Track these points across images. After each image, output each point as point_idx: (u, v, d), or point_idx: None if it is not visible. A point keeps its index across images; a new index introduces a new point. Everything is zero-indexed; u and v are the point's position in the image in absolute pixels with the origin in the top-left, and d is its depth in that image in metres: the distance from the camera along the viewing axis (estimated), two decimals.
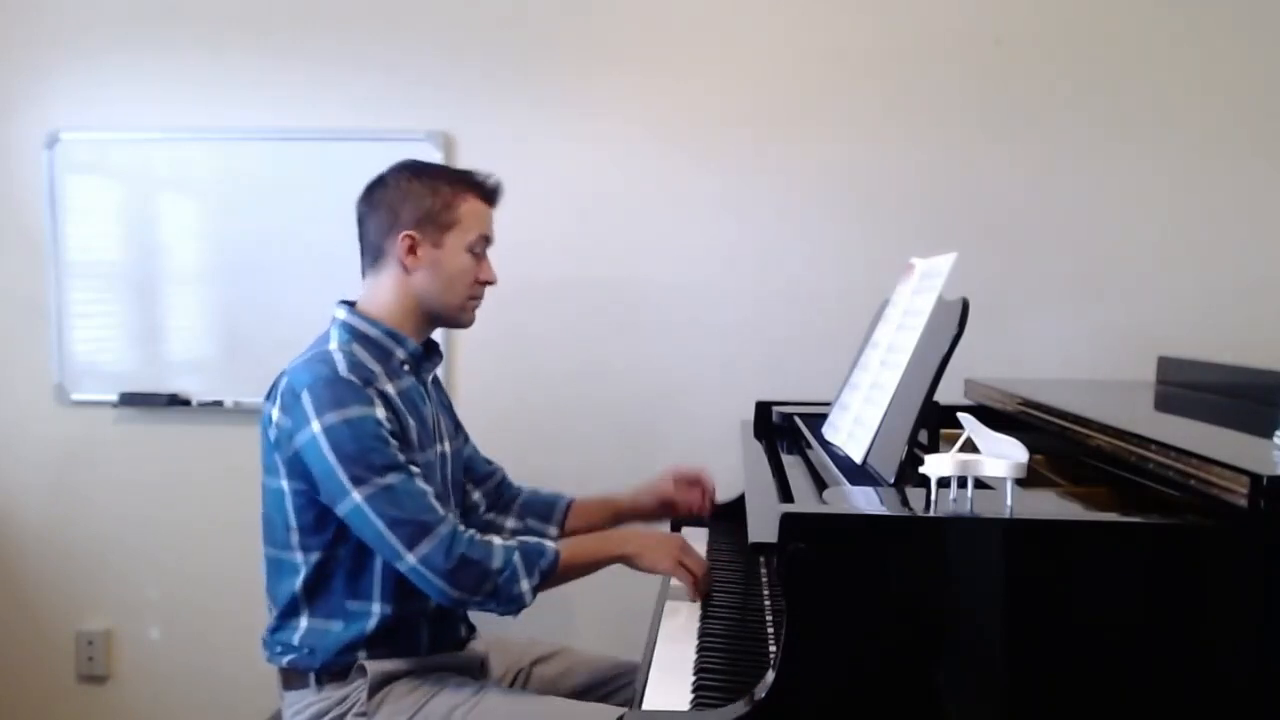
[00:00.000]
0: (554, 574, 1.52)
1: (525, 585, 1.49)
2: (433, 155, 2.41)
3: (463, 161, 2.41)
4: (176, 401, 2.55)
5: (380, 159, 2.43)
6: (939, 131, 2.35)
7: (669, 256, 2.43)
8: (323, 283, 2.45)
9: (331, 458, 1.45)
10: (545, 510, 1.87)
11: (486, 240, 1.66)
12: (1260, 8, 2.28)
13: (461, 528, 1.49)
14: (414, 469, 1.50)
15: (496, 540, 1.51)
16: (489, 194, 1.66)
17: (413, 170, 1.64)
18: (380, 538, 1.45)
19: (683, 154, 2.42)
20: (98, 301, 2.57)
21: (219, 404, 2.54)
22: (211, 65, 2.50)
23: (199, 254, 2.56)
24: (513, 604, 1.50)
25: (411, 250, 1.59)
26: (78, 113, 2.54)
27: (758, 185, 2.40)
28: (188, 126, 2.51)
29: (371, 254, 1.65)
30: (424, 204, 1.60)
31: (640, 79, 2.42)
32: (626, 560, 1.61)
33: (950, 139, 2.35)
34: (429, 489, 1.50)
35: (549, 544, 1.55)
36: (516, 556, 1.49)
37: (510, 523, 1.87)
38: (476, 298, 1.66)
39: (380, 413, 1.49)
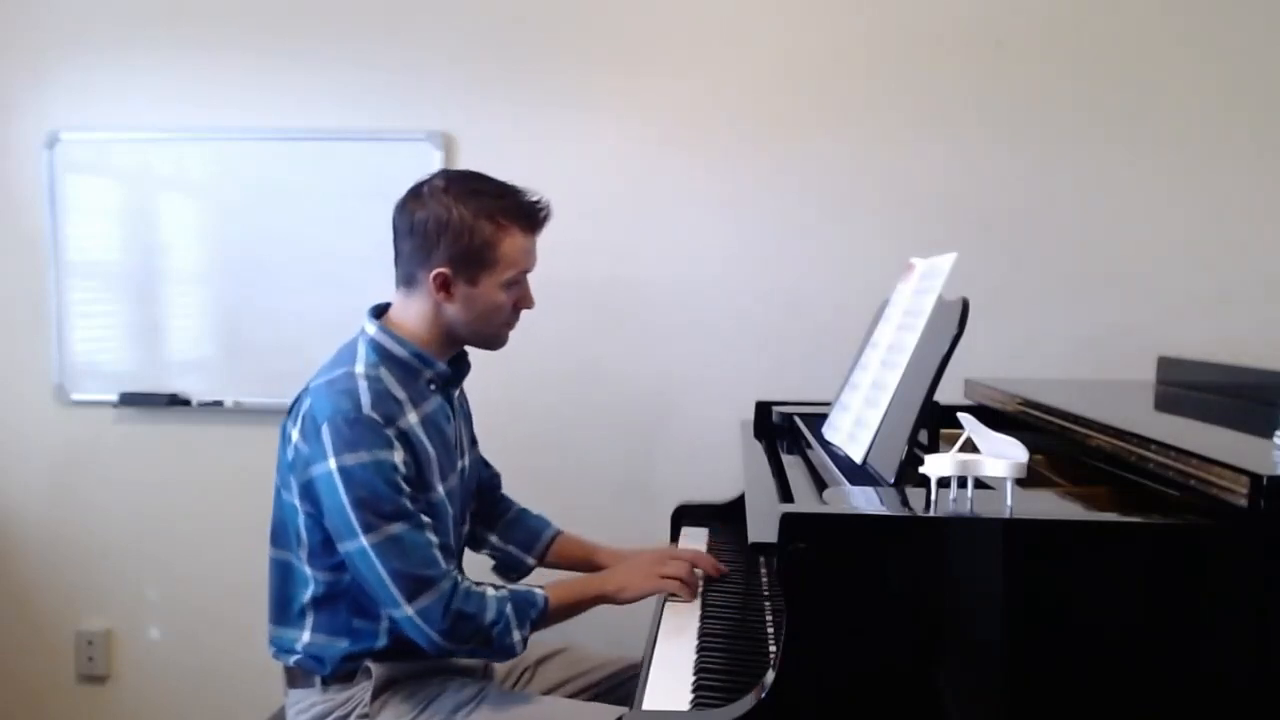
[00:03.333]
0: (543, 621, 1.54)
1: (517, 636, 1.51)
2: (433, 155, 2.41)
3: (463, 162, 2.41)
4: (176, 401, 2.55)
5: (380, 159, 2.42)
6: (940, 132, 2.35)
7: (669, 256, 2.43)
8: (323, 283, 2.47)
9: (344, 498, 1.44)
10: (528, 539, 1.86)
11: (525, 273, 1.59)
12: (1260, 8, 2.28)
13: (460, 578, 1.50)
14: (423, 519, 1.48)
15: (490, 591, 1.51)
16: (534, 225, 1.57)
17: (454, 194, 1.52)
18: (381, 585, 1.45)
19: (683, 154, 2.42)
20: (98, 301, 2.57)
21: (219, 404, 2.54)
22: (211, 65, 2.50)
23: (199, 254, 2.56)
24: (504, 653, 1.52)
25: (444, 287, 1.52)
26: (78, 113, 2.54)
27: (758, 185, 2.40)
28: (188, 126, 2.51)
29: (404, 276, 1.57)
30: (461, 242, 1.50)
31: (640, 79, 2.42)
32: (610, 599, 1.62)
33: (951, 139, 2.35)
34: (434, 539, 1.48)
35: (538, 591, 1.56)
36: (509, 608, 1.50)
37: (493, 538, 1.86)
38: (511, 324, 1.62)
39: (397, 456, 1.46)
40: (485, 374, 2.47)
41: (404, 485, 1.46)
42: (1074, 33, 2.32)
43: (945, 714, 1.10)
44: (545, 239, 2.40)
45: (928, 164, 2.36)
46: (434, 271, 1.52)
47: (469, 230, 1.50)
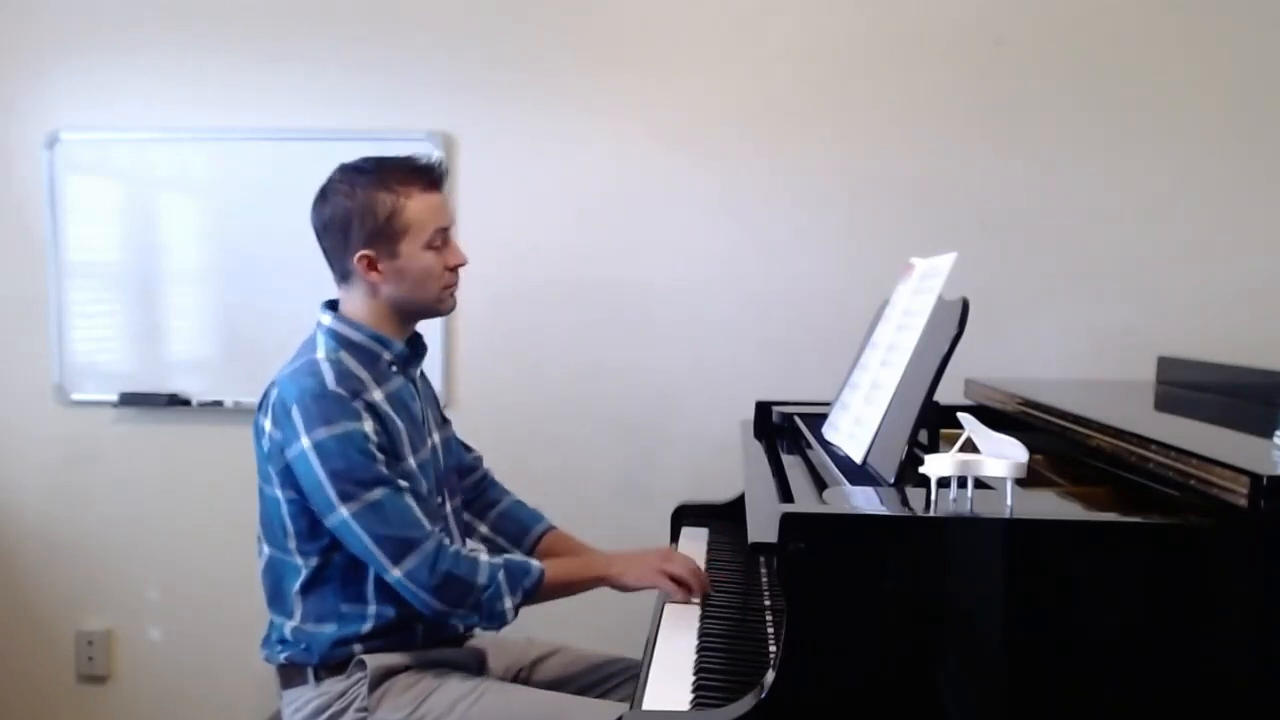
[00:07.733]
0: (537, 593, 1.55)
1: (509, 603, 1.51)
2: (433, 155, 2.40)
3: (463, 161, 2.42)
4: (176, 401, 2.55)
5: None
6: (939, 131, 2.35)
7: (669, 256, 2.43)
8: (322, 283, 2.44)
9: (320, 473, 1.47)
10: (518, 533, 1.85)
11: (444, 231, 1.60)
12: (1260, 8, 2.28)
13: (447, 542, 1.51)
14: (401, 483, 1.51)
15: (482, 556, 1.53)
16: (433, 182, 1.59)
17: (350, 180, 1.57)
18: (367, 552, 1.48)
19: (683, 154, 2.41)
20: (98, 301, 2.57)
21: (219, 404, 2.54)
22: (211, 65, 2.50)
23: (199, 254, 2.56)
24: (495, 620, 1.52)
25: (371, 267, 1.56)
26: (78, 113, 2.54)
27: (758, 185, 2.40)
28: (188, 126, 2.51)
29: (338, 271, 1.61)
30: (368, 222, 1.54)
31: (640, 79, 2.42)
32: (609, 581, 1.63)
33: (950, 139, 2.35)
34: (414, 504, 1.51)
35: (534, 562, 1.57)
36: (501, 574, 1.51)
37: (484, 529, 1.86)
38: (451, 285, 1.62)
39: (368, 426, 1.49)
40: (487, 374, 2.49)
41: (377, 453, 1.49)
42: (1073, 30, 2.32)
43: (945, 714, 1.10)
44: (547, 239, 2.42)
45: (927, 163, 2.36)
46: (357, 256, 1.55)
47: (371, 208, 1.54)
